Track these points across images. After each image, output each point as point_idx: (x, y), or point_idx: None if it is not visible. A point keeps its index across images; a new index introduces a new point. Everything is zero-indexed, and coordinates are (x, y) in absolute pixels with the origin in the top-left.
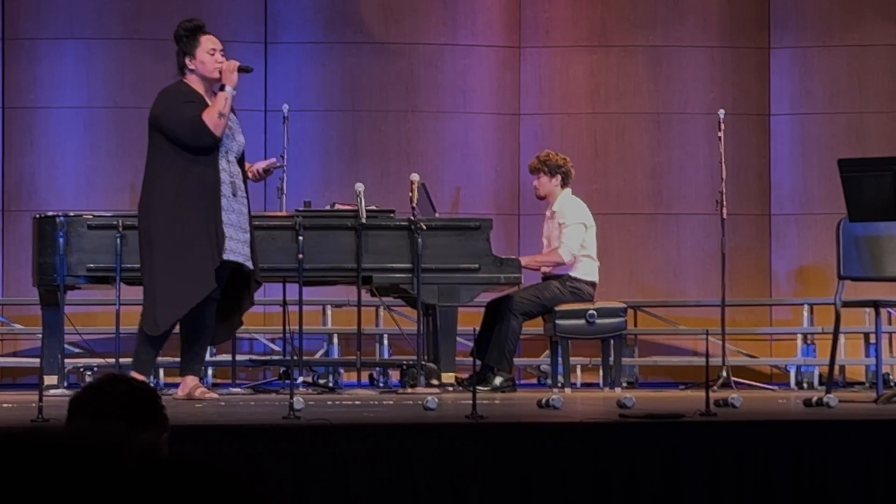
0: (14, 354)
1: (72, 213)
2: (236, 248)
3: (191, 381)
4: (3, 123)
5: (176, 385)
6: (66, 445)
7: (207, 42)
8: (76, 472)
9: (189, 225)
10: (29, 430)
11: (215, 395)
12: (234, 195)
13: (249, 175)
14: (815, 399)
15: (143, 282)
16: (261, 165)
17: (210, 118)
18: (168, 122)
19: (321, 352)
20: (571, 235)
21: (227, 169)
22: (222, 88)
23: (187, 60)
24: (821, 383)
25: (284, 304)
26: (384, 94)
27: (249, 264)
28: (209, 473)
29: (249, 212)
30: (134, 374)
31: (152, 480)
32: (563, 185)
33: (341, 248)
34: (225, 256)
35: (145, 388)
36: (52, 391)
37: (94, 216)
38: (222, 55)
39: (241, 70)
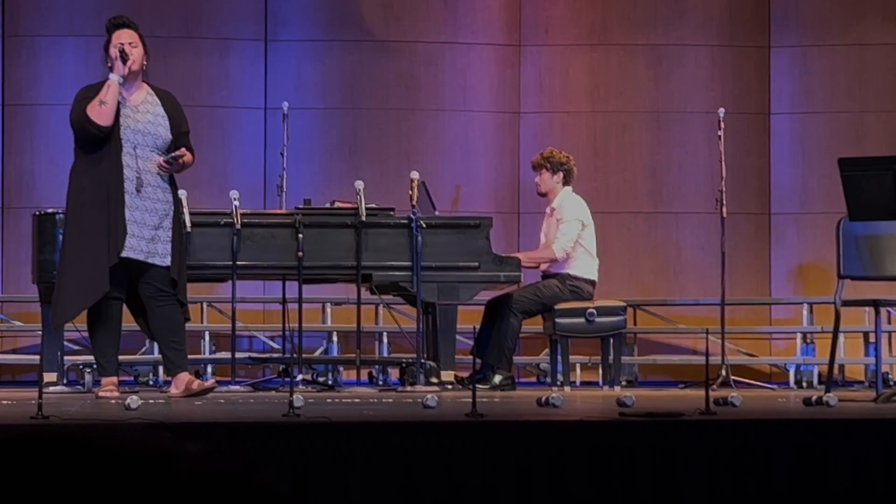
0: (14, 351)
1: None
2: (137, 246)
3: (184, 377)
4: (2, 120)
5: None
6: (117, 450)
7: (116, 37)
8: (125, 478)
9: (89, 224)
10: (78, 431)
11: (214, 382)
12: (139, 191)
13: (157, 164)
14: (814, 398)
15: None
16: (161, 158)
17: (91, 107)
18: (70, 119)
19: (321, 350)
20: (566, 232)
21: (133, 165)
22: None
23: (106, 58)
24: (820, 382)
25: (284, 301)
26: (384, 93)
27: (157, 261)
28: (254, 489)
29: (177, 205)
30: (104, 379)
31: (199, 492)
32: (565, 182)
33: (341, 246)
34: (123, 254)
35: None
36: (52, 388)
37: None
38: (132, 47)
39: (121, 53)
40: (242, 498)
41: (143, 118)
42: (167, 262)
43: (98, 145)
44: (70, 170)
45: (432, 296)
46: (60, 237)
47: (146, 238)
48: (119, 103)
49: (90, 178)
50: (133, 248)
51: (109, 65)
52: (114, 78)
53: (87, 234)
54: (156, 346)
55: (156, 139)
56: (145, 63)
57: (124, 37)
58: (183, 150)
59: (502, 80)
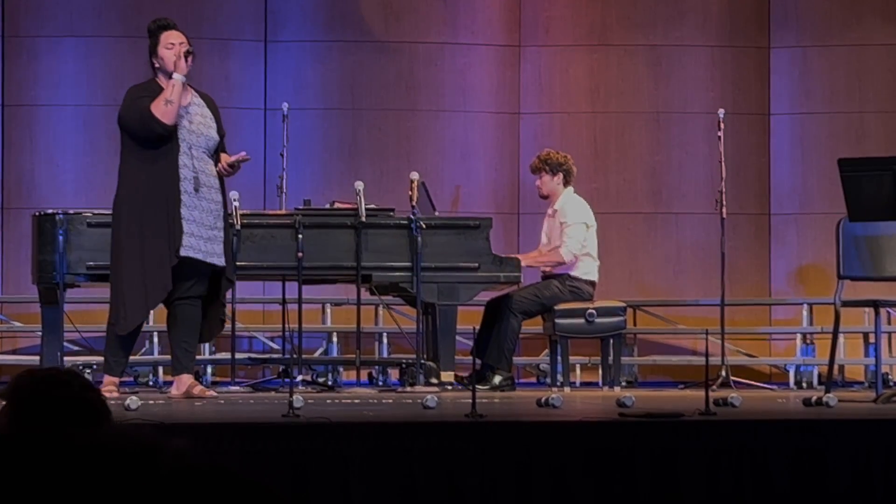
0: (13, 352)
1: (71, 211)
2: (196, 245)
3: (186, 378)
4: (2, 121)
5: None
6: (101, 448)
7: (167, 37)
8: (110, 476)
9: (148, 224)
10: (63, 432)
11: (214, 394)
12: (197, 191)
13: (218, 168)
14: (814, 398)
15: (110, 280)
16: (229, 159)
17: (157, 106)
18: (124, 117)
19: (320, 350)
20: (573, 235)
21: (190, 165)
22: (171, 76)
23: (153, 59)
24: (820, 383)
25: (284, 302)
26: (384, 93)
27: (215, 260)
28: (239, 482)
29: (226, 207)
30: (106, 378)
31: (184, 487)
32: (566, 183)
33: (341, 247)
34: (182, 253)
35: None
36: None
37: (94, 214)
38: (182, 48)
39: (186, 54)
40: (227, 492)
41: (195, 119)
42: (222, 261)
43: (155, 145)
44: (119, 171)
45: (432, 296)
46: (60, 238)
47: (204, 238)
48: None
49: (145, 178)
50: (192, 248)
51: (158, 65)
52: (178, 77)
53: (146, 236)
54: (156, 346)
55: (207, 140)
56: (190, 66)
57: (175, 37)
58: (245, 153)
59: (502, 80)
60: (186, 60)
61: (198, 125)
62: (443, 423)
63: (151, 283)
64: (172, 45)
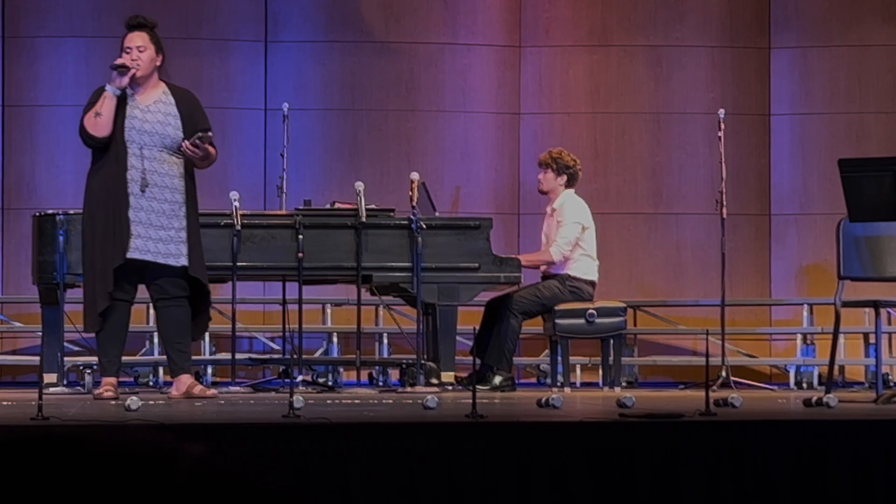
0: (14, 353)
1: (72, 212)
2: (144, 246)
3: (185, 379)
4: (3, 121)
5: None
6: (117, 454)
7: (127, 40)
8: (126, 482)
9: (99, 226)
10: (80, 432)
11: (214, 393)
12: (143, 191)
13: (183, 148)
14: (814, 399)
15: None
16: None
17: (88, 118)
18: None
19: (321, 350)
20: (564, 234)
21: (139, 165)
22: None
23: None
24: (820, 383)
25: (284, 302)
26: (384, 94)
27: (170, 261)
28: (258, 490)
29: (190, 206)
30: (104, 379)
31: (201, 494)
32: (568, 185)
33: (341, 247)
34: (129, 255)
35: None
36: (52, 389)
37: None
38: (139, 52)
39: (111, 67)
40: (244, 500)
41: (152, 118)
42: (182, 262)
43: (105, 148)
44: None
45: (432, 297)
46: (61, 238)
47: (153, 238)
48: (128, 104)
49: (99, 180)
50: (139, 249)
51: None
52: (109, 90)
53: (98, 237)
54: (156, 346)
55: (164, 139)
56: (158, 63)
57: (135, 40)
58: (200, 134)
59: (502, 81)
60: (122, 74)
61: (153, 124)
62: (443, 424)
63: (100, 285)
64: (129, 49)
